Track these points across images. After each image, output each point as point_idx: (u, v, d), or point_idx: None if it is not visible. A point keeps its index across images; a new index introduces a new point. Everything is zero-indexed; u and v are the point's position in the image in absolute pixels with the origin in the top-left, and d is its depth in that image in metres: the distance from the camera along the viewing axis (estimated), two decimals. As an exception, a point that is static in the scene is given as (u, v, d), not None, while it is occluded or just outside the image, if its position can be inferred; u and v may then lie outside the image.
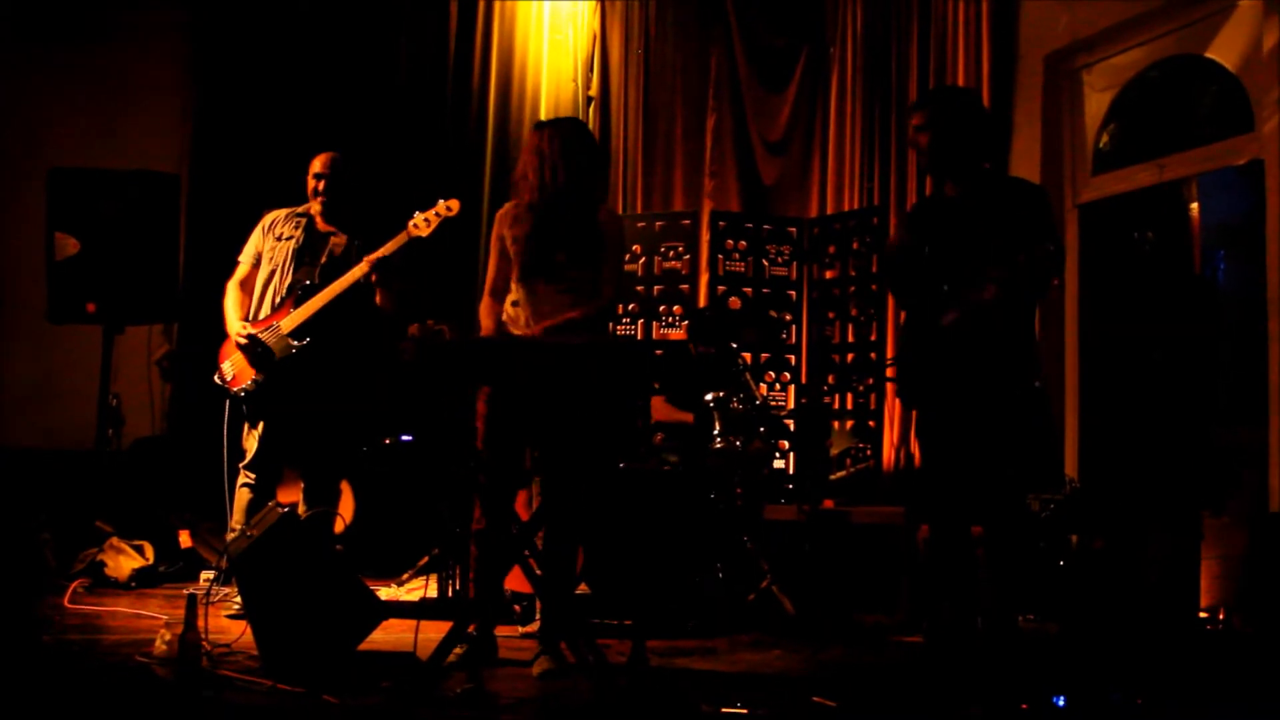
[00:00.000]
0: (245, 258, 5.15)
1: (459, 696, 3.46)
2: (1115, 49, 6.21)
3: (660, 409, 5.92)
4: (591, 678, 3.66)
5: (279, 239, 5.09)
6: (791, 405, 7.21)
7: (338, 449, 5.20)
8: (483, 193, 7.60)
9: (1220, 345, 5.90)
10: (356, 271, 4.86)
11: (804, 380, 7.31)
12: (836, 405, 7.10)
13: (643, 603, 5.02)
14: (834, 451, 6.76)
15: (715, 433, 5.43)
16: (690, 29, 8.10)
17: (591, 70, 8.08)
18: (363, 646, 3.92)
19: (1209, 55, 5.74)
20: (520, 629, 4.70)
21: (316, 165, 5.12)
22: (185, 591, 3.88)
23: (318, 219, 5.11)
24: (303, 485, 5.08)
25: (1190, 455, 5.64)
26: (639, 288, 7.31)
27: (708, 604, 5.14)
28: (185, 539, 6.06)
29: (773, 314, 7.32)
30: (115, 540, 5.72)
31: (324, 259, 5.02)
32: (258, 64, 7.43)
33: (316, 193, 5.09)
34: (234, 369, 4.98)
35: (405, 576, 5.87)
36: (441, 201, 4.91)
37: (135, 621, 4.66)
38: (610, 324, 7.12)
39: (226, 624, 4.47)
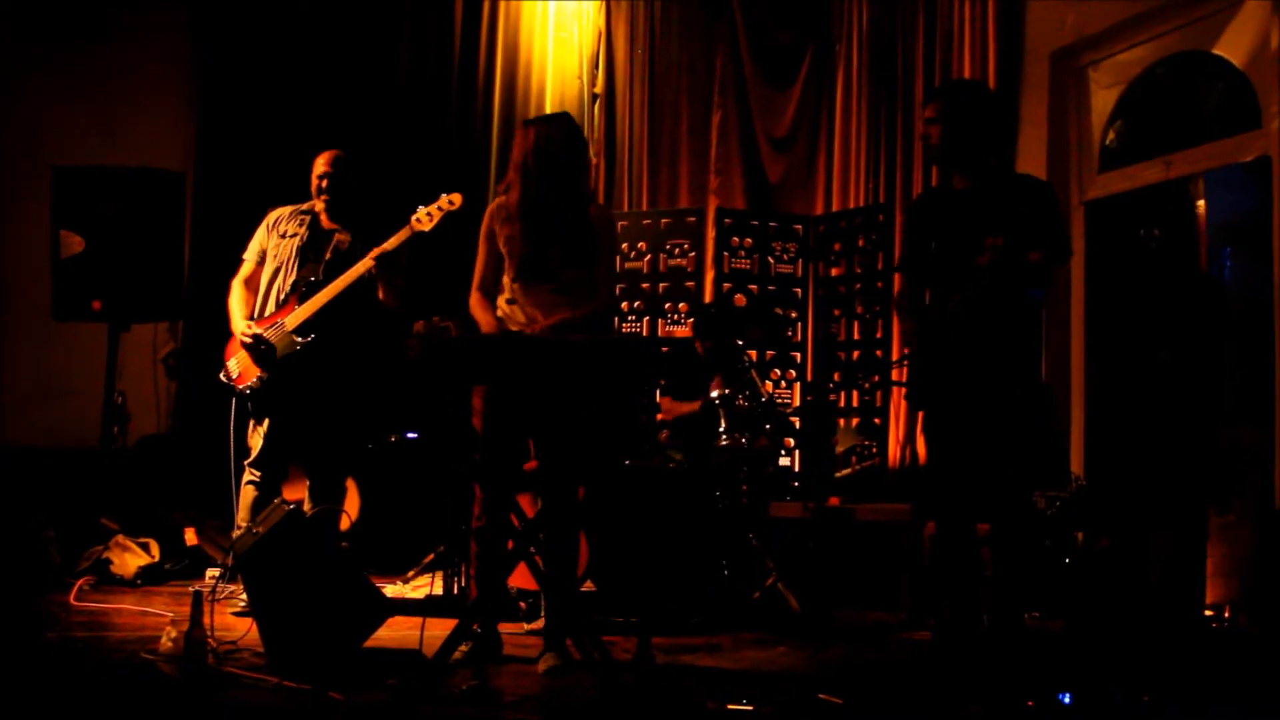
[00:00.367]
0: (250, 255, 5.15)
1: (464, 693, 3.47)
2: (1121, 46, 6.19)
3: (666, 405, 5.91)
4: (596, 675, 3.67)
5: (283, 236, 5.09)
6: (797, 402, 7.21)
7: (343, 446, 5.19)
8: (487, 190, 7.59)
9: (1226, 343, 5.89)
10: (360, 267, 4.86)
11: (809, 378, 7.31)
12: (842, 403, 7.09)
13: (648, 600, 5.02)
14: (839, 449, 6.75)
15: (721, 430, 5.43)
16: (695, 26, 8.09)
17: (596, 67, 8.08)
18: (368, 643, 3.93)
19: (1216, 52, 5.72)
20: (525, 626, 4.70)
21: (320, 163, 5.12)
22: (191, 589, 3.87)
23: (322, 216, 5.11)
24: (308, 483, 5.08)
25: (1196, 453, 5.63)
26: (644, 285, 7.30)
27: (713, 601, 5.14)
28: (191, 536, 6.07)
29: (778, 311, 7.31)
30: (121, 538, 5.73)
31: (328, 255, 5.01)
32: (262, 61, 7.43)
33: (320, 190, 5.09)
34: (239, 367, 4.98)
35: (411, 574, 5.88)
36: (444, 196, 4.90)
37: (141, 619, 4.67)
38: (616, 321, 7.17)
39: (232, 621, 4.48)
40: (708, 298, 7.26)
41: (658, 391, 6.00)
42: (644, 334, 7.21)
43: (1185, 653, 4.53)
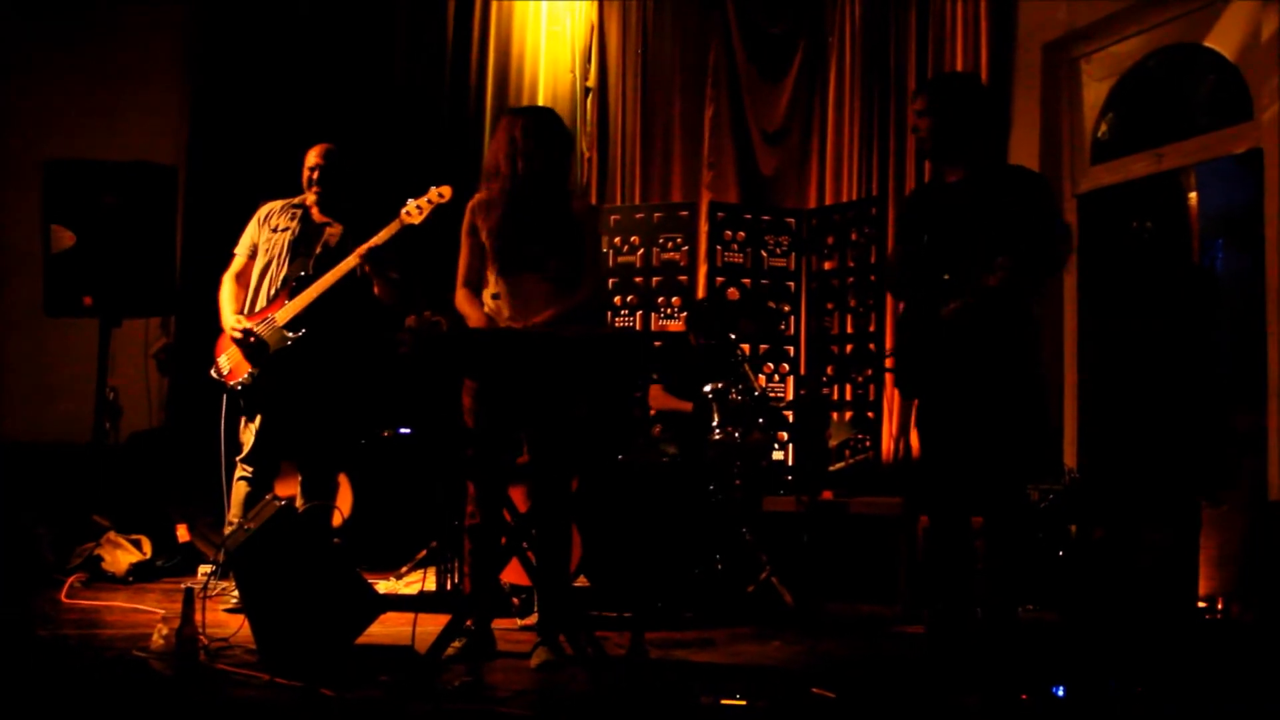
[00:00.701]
0: (241, 250, 5.13)
1: (457, 689, 3.46)
2: (1113, 38, 6.20)
3: (659, 399, 5.91)
4: (590, 669, 3.66)
5: (275, 230, 5.07)
6: (790, 396, 7.21)
7: (335, 442, 5.18)
8: (479, 184, 7.57)
9: (1219, 334, 5.89)
10: (350, 261, 4.84)
11: (803, 371, 7.31)
12: (835, 396, 7.10)
13: (641, 594, 5.02)
14: (833, 443, 6.76)
15: (714, 424, 5.43)
16: (688, 19, 8.08)
17: (589, 61, 8.07)
18: (361, 640, 3.91)
19: (1207, 44, 5.73)
20: (519, 621, 4.69)
21: (311, 157, 5.10)
22: (183, 586, 3.86)
23: (313, 210, 5.09)
24: (300, 478, 5.07)
25: (1189, 444, 5.64)
26: (637, 279, 7.30)
27: (706, 596, 5.14)
28: (183, 533, 6.05)
29: (771, 305, 7.31)
30: (112, 534, 5.71)
31: (319, 250, 4.99)
32: (254, 55, 7.40)
33: (311, 183, 5.07)
34: (230, 363, 4.96)
35: (403, 570, 5.86)
36: (434, 188, 4.87)
37: (133, 616, 4.65)
38: (609, 315, 7.17)
39: (224, 618, 4.47)
40: (700, 292, 7.26)
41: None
42: (637, 328, 7.20)
43: (1179, 643, 4.54)
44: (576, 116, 7.95)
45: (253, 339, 4.89)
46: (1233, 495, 5.06)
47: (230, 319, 4.96)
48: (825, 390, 7.10)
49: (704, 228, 7.41)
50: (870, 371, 6.92)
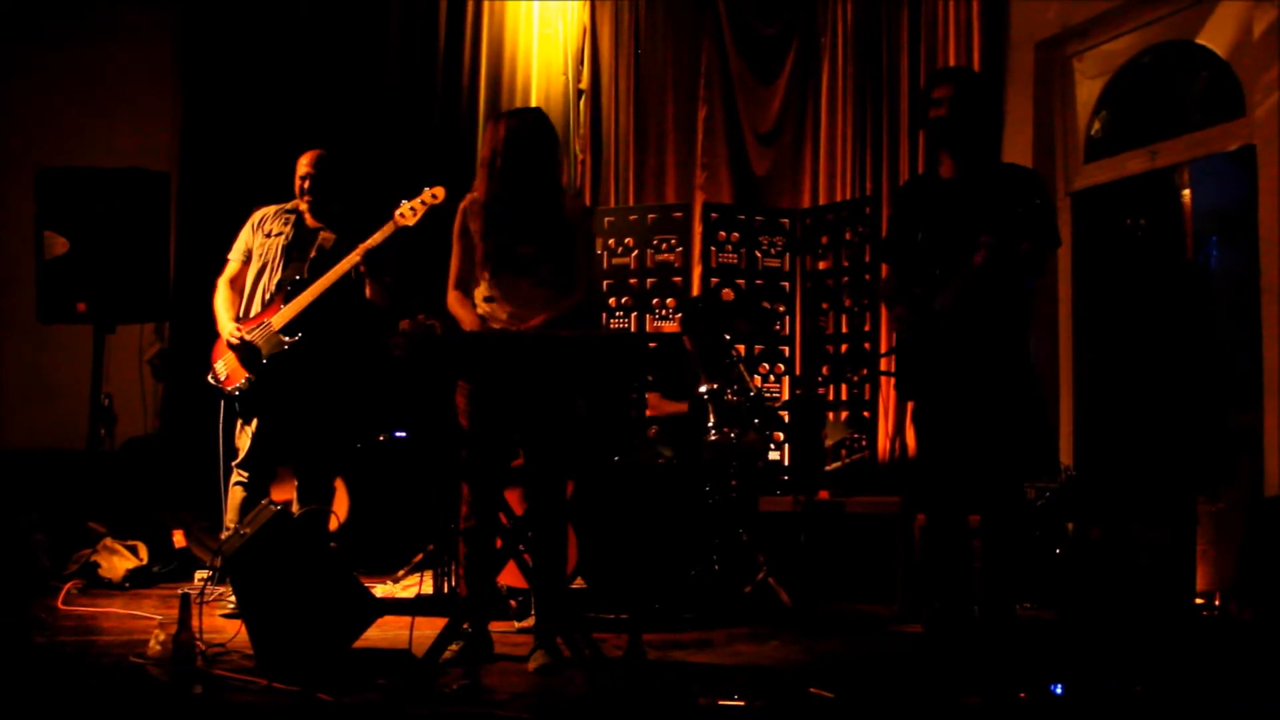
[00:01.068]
0: (235, 255, 5.13)
1: (455, 693, 3.45)
2: (1106, 35, 6.20)
3: (654, 402, 5.91)
4: (588, 671, 3.65)
5: (268, 235, 5.06)
6: (786, 397, 7.20)
7: (331, 446, 5.18)
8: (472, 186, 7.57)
9: (1214, 331, 5.90)
10: (346, 262, 4.82)
11: (798, 371, 7.31)
12: (831, 396, 7.10)
13: (639, 596, 5.01)
14: (829, 442, 6.76)
15: (710, 425, 5.42)
16: (680, 20, 8.08)
17: (582, 63, 8.07)
18: (358, 644, 3.91)
19: (1200, 41, 5.73)
20: (516, 624, 4.69)
21: (303, 164, 5.09)
22: (179, 591, 3.86)
23: (306, 215, 5.09)
24: (296, 483, 5.06)
25: (1185, 442, 5.64)
26: (631, 280, 7.29)
27: (703, 596, 5.13)
28: (179, 539, 6.04)
29: (766, 305, 7.31)
30: (109, 541, 5.71)
31: (313, 254, 4.98)
32: (247, 60, 7.40)
33: (303, 191, 5.06)
34: (227, 368, 4.96)
35: (400, 573, 5.85)
36: (427, 190, 4.86)
37: (129, 622, 4.64)
38: (603, 316, 7.16)
39: (221, 623, 4.46)
40: (695, 292, 7.26)
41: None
42: (631, 329, 7.20)
43: (1177, 641, 4.54)
44: (570, 118, 7.95)
45: (249, 345, 4.88)
46: (1229, 492, 5.06)
47: (227, 326, 4.95)
48: (821, 390, 7.10)
49: (698, 229, 7.41)
50: (865, 371, 6.92)
